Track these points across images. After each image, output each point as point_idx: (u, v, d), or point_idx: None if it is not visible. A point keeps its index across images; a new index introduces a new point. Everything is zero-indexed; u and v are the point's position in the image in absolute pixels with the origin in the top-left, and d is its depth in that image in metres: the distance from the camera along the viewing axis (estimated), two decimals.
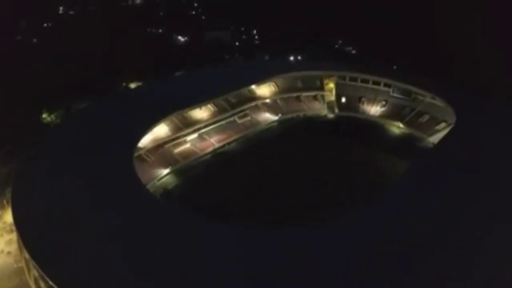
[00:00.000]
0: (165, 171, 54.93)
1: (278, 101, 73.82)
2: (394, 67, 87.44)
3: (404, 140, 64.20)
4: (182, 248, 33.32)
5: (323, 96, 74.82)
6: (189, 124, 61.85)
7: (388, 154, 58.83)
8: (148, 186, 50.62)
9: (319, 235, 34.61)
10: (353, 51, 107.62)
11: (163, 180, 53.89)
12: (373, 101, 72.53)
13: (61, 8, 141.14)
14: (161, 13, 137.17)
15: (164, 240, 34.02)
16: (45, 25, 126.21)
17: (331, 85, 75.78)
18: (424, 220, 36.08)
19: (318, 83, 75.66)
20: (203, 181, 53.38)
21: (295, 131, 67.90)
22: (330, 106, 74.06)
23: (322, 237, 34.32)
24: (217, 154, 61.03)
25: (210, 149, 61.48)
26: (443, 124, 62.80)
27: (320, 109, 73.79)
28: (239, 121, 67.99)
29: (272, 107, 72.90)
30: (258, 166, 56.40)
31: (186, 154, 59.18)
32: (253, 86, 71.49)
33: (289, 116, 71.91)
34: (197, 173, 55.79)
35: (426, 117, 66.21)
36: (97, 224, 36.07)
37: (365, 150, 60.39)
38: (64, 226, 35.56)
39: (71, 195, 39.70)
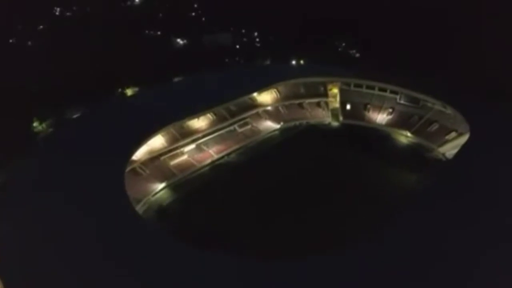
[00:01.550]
0: (160, 185, 51.87)
1: (280, 108, 70.73)
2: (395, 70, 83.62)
3: (413, 151, 60.87)
4: (173, 282, 30.29)
5: (327, 103, 71.66)
6: (186, 134, 58.76)
7: (398, 168, 55.34)
8: (142, 202, 47.88)
9: (329, 268, 31.46)
10: (357, 54, 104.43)
11: (158, 195, 50.87)
12: (379, 108, 69.38)
13: (57, 9, 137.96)
14: (160, 15, 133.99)
15: (153, 272, 30.92)
16: (40, 27, 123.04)
17: (335, 91, 72.61)
18: (442, 253, 32.83)
19: (321, 89, 72.41)
20: (201, 198, 50.19)
21: (298, 141, 64.51)
22: (334, 114, 70.98)
23: (333, 271, 31.14)
24: (216, 166, 58.00)
25: (209, 160, 58.47)
26: (453, 134, 59.56)
27: (324, 116, 70.61)
28: (239, 130, 64.95)
29: (273, 115, 69.82)
30: (260, 180, 53.05)
31: (183, 167, 56.10)
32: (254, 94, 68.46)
33: (291, 124, 68.93)
34: (194, 187, 52.66)
35: (435, 126, 62.91)
36: (78, 251, 33.45)
37: (373, 162, 57.01)
38: (43, 247, 33.82)
39: (52, 216, 37.40)
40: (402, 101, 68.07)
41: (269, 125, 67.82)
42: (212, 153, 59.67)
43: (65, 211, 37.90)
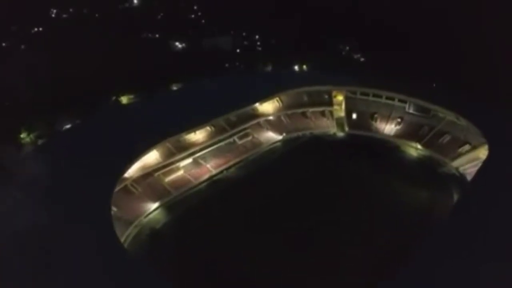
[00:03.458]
0: (154, 205, 48.34)
1: (282, 118, 66.96)
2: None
3: (424, 165, 57.05)
4: None
5: (331, 112, 67.78)
6: (183, 148, 55.12)
7: (408, 184, 51.70)
8: (133, 225, 44.39)
9: None
10: (362, 59, 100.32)
11: (150, 216, 47.28)
12: (387, 118, 65.55)
13: (54, 10, 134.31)
14: (158, 17, 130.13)
15: None
16: (35, 29, 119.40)
17: (340, 99, 68.87)
18: None
19: (326, 97, 68.56)
20: (197, 218, 46.48)
21: (301, 153, 60.91)
22: (339, 123, 67.19)
23: None
24: (214, 182, 54.47)
25: (206, 176, 54.90)
26: (466, 147, 55.82)
27: (328, 126, 66.78)
28: (239, 142, 61.32)
29: (275, 125, 66.07)
30: (260, 197, 49.61)
31: (178, 184, 52.46)
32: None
33: (294, 135, 65.19)
34: (190, 206, 49.11)
35: (447, 138, 59.05)
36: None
37: (381, 177, 53.27)
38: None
39: (31, 240, 34.67)
40: (411, 110, 64.34)
41: (271, 136, 64.23)
42: (210, 167, 56.07)
43: (46, 232, 35.25)
